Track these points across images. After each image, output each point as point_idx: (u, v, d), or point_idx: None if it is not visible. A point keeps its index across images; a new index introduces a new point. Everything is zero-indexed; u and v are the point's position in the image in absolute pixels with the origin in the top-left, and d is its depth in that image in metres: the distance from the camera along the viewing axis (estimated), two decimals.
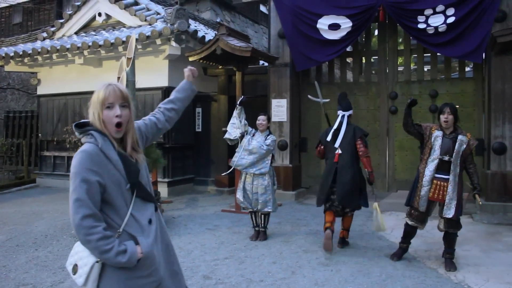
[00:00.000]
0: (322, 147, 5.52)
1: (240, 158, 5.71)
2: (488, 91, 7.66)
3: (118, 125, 1.95)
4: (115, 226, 1.93)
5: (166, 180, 9.17)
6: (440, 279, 4.37)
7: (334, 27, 8.44)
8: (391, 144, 8.92)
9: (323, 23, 8.47)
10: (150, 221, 2.04)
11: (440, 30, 7.78)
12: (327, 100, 6.23)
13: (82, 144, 1.98)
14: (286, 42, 8.86)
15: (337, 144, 5.25)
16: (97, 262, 1.88)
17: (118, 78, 6.58)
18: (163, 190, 8.90)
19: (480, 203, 4.91)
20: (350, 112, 5.49)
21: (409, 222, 4.87)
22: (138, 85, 6.71)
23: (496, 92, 7.55)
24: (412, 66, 12.22)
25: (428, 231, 5.65)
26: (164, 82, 9.22)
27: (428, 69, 11.28)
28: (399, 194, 8.43)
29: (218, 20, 12.32)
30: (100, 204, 1.89)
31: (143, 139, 2.24)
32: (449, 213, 4.57)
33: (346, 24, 8.37)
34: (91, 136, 1.93)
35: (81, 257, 1.91)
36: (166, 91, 9.16)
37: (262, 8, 14.55)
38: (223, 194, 9.47)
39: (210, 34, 9.84)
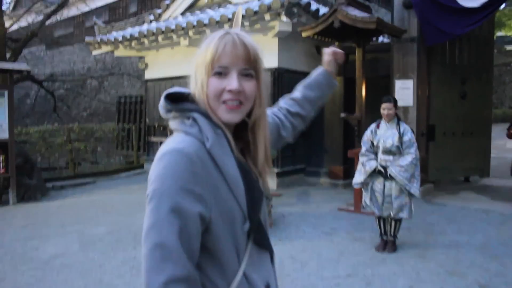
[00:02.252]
0: None
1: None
2: None
3: (231, 103, 1.10)
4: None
5: (276, 170, 8.38)
6: None
7: None
8: None
9: None
10: (267, 287, 1.16)
11: None
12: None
13: (171, 132, 1.14)
14: (412, 13, 7.50)
15: None
16: None
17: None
18: (271, 181, 8.16)
19: None
20: None
21: None
22: None
23: None
24: None
25: None
26: (274, 63, 8.40)
27: None
28: None
29: None
30: (198, 256, 1.04)
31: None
32: None
33: None
34: (193, 123, 1.09)
35: None
36: (276, 73, 8.37)
37: None
38: (337, 188, 8.49)
39: (323, 9, 8.79)
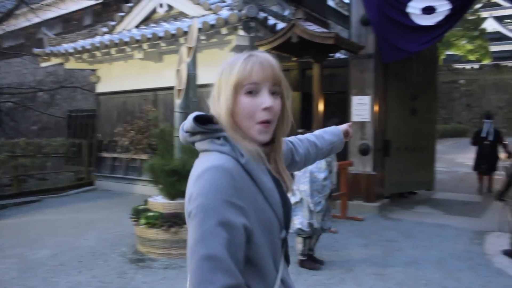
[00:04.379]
0: None
1: None
2: None
3: (267, 123, 1.14)
4: None
5: None
6: None
7: (429, 10, 7.08)
8: None
9: (414, 7, 7.14)
10: None
11: None
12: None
13: (201, 151, 1.19)
14: (369, 30, 7.59)
15: None
16: None
17: (178, 71, 5.69)
18: None
19: None
20: None
21: None
22: (201, 81, 5.76)
23: None
24: None
25: None
26: None
27: None
28: None
29: (286, 14, 11.24)
30: (243, 265, 1.07)
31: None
32: None
33: (443, 6, 7.00)
34: (224, 142, 1.13)
35: None
36: None
37: (330, 2, 13.35)
38: None
39: (281, 25, 8.77)
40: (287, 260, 1.28)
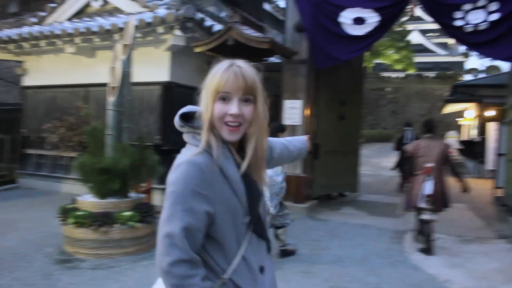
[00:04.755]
0: None
1: None
2: None
3: (232, 125, 1.36)
4: (218, 271, 1.38)
5: (163, 186, 8.13)
6: None
7: (359, 21, 7.45)
8: None
9: (346, 17, 7.48)
10: (261, 269, 1.45)
11: (480, 28, 6.81)
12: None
13: (184, 144, 1.44)
14: (303, 37, 7.87)
15: None
16: None
17: (112, 68, 5.60)
18: (158, 198, 7.88)
19: None
20: None
21: None
22: (135, 78, 5.71)
23: None
24: None
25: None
26: (164, 77, 8.20)
27: None
28: None
29: (222, 16, 11.33)
30: (201, 243, 1.35)
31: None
32: None
33: (373, 18, 7.39)
34: (206, 141, 1.37)
35: None
36: (166, 87, 8.16)
37: (266, 6, 13.55)
38: None
39: (218, 27, 8.84)
40: (268, 246, 1.51)
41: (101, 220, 4.83)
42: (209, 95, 1.35)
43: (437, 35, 45.91)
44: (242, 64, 1.39)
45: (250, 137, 1.41)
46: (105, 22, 8.15)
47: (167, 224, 1.30)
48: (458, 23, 6.94)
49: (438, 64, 43.74)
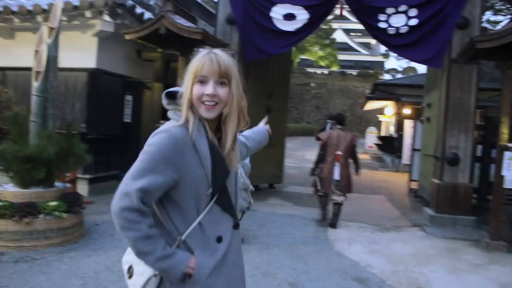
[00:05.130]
0: None
1: None
2: (445, 100, 7.27)
3: (208, 104, 1.54)
4: (175, 233, 1.55)
5: (88, 176, 7.87)
6: None
7: (290, 17, 7.68)
8: None
9: (277, 12, 7.68)
10: (219, 239, 1.60)
11: (401, 31, 7.30)
12: None
13: (167, 119, 1.60)
14: (234, 29, 7.95)
15: None
16: (155, 275, 1.54)
17: (36, 51, 5.34)
18: (83, 188, 7.62)
19: None
20: None
21: None
22: (60, 63, 5.48)
23: (453, 101, 7.20)
24: None
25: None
26: (91, 63, 7.89)
27: None
28: None
29: (151, 3, 11.10)
30: (154, 199, 1.51)
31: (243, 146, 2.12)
32: None
33: (302, 15, 7.65)
34: (184, 118, 1.54)
35: (139, 262, 1.53)
36: (93, 74, 7.88)
37: None
38: None
39: (148, 14, 8.66)
40: (235, 222, 1.67)
41: (24, 210, 4.61)
42: (189, 77, 1.52)
43: (360, 35, 47.99)
44: (218, 52, 1.56)
45: (228, 117, 1.57)
46: (26, 2, 7.70)
47: (130, 174, 1.46)
48: (382, 25, 7.38)
49: (360, 63, 45.83)
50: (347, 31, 47.09)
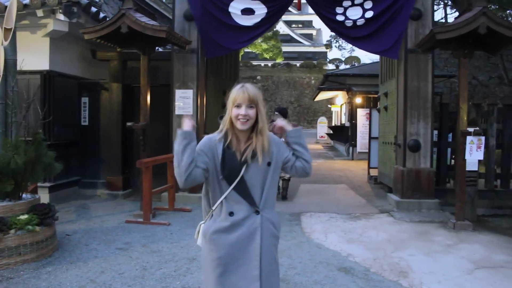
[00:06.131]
0: None
1: None
2: (404, 89, 7.52)
3: (242, 120, 2.20)
4: (210, 204, 2.31)
5: (47, 184, 7.49)
6: None
7: (248, 12, 7.64)
8: None
9: (235, 7, 7.61)
10: (231, 214, 2.23)
11: (358, 24, 7.46)
12: None
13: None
14: (193, 25, 7.79)
15: None
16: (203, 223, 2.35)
17: None
18: (44, 196, 7.23)
19: None
20: None
21: None
22: None
23: (412, 89, 7.47)
24: None
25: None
26: (44, 65, 7.49)
27: None
28: None
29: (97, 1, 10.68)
30: (196, 160, 2.18)
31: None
32: None
33: (260, 10, 7.63)
34: (220, 129, 2.28)
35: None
36: (46, 76, 7.49)
37: None
38: (117, 199, 8.14)
39: (103, 13, 8.31)
40: (249, 202, 2.22)
41: None
42: (230, 105, 2.22)
43: (301, 26, 48.66)
44: (247, 85, 2.22)
45: (260, 128, 2.25)
46: None
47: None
48: (339, 18, 7.51)
49: (303, 54, 46.51)
50: (288, 23, 47.64)
